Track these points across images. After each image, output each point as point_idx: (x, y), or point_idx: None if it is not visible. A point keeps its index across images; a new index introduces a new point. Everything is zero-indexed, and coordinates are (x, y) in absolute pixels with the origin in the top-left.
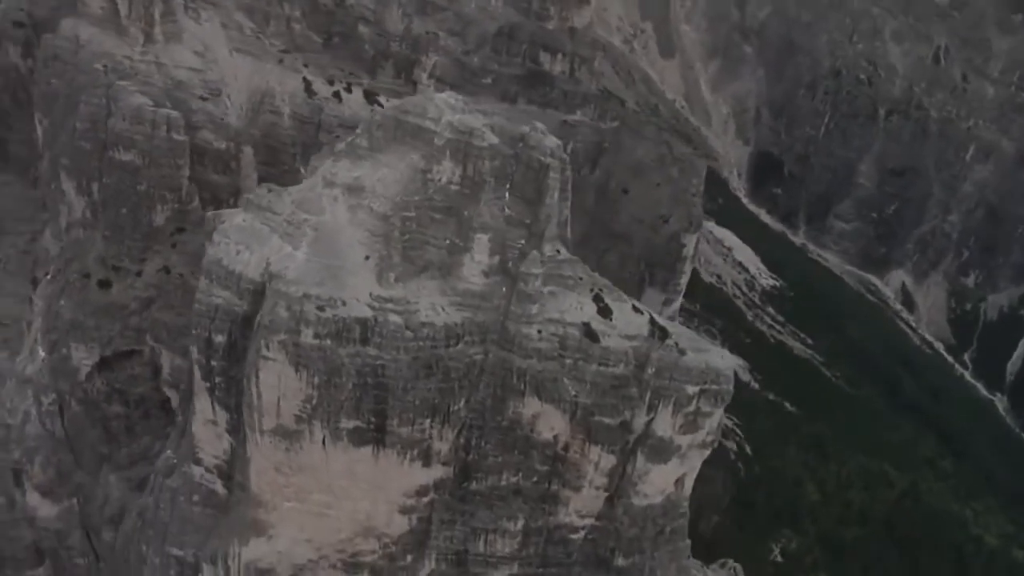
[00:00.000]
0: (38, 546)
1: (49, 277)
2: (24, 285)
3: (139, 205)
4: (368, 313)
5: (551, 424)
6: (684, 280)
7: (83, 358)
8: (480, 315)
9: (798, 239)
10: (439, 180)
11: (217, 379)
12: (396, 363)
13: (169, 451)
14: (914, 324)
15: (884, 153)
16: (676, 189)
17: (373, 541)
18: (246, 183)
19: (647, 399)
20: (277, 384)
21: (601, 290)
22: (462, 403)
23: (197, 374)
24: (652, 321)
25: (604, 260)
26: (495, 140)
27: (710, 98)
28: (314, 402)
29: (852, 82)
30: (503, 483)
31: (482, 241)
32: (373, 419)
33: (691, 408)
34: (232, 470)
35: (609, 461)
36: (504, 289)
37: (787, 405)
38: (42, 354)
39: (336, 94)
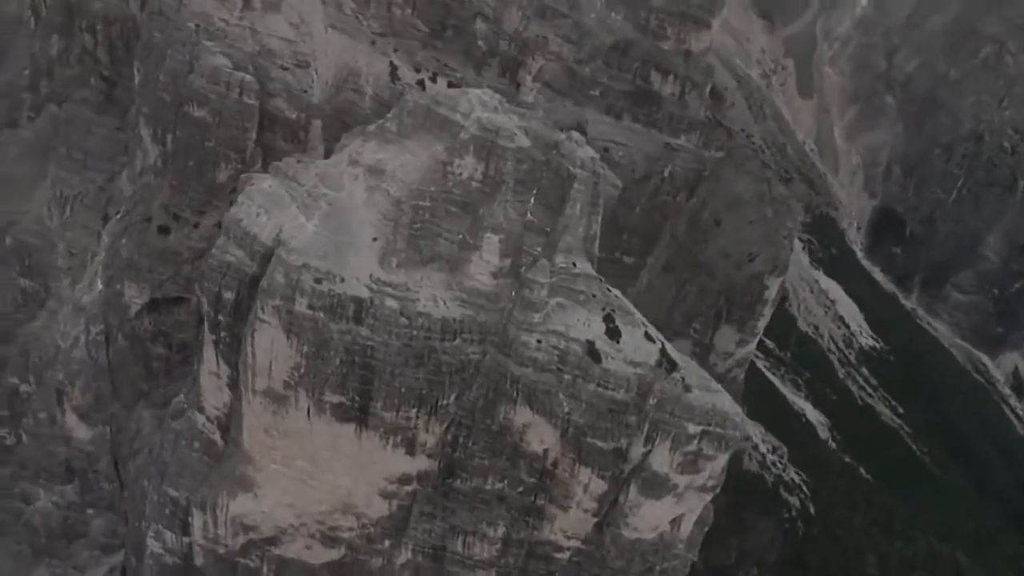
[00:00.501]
0: (70, 464)
1: (119, 216)
2: (96, 220)
3: (205, 160)
4: (365, 293)
5: (541, 437)
6: (762, 323)
7: (134, 296)
8: (483, 315)
9: (909, 303)
10: (460, 175)
11: (223, 334)
12: (386, 347)
13: (182, 395)
14: (1020, 413)
15: (1016, 228)
16: (768, 229)
17: (352, 519)
18: (312, 154)
19: (645, 430)
20: (270, 347)
21: (614, 311)
22: (452, 399)
23: (206, 326)
24: (663, 352)
25: (684, 290)
26: (526, 143)
27: (842, 145)
28: (302, 371)
29: (994, 148)
30: (488, 487)
31: (492, 241)
32: (357, 398)
33: (691, 448)
34: (229, 423)
35: (599, 486)
36: (513, 293)
37: (863, 471)
38: (99, 287)
39: (420, 82)
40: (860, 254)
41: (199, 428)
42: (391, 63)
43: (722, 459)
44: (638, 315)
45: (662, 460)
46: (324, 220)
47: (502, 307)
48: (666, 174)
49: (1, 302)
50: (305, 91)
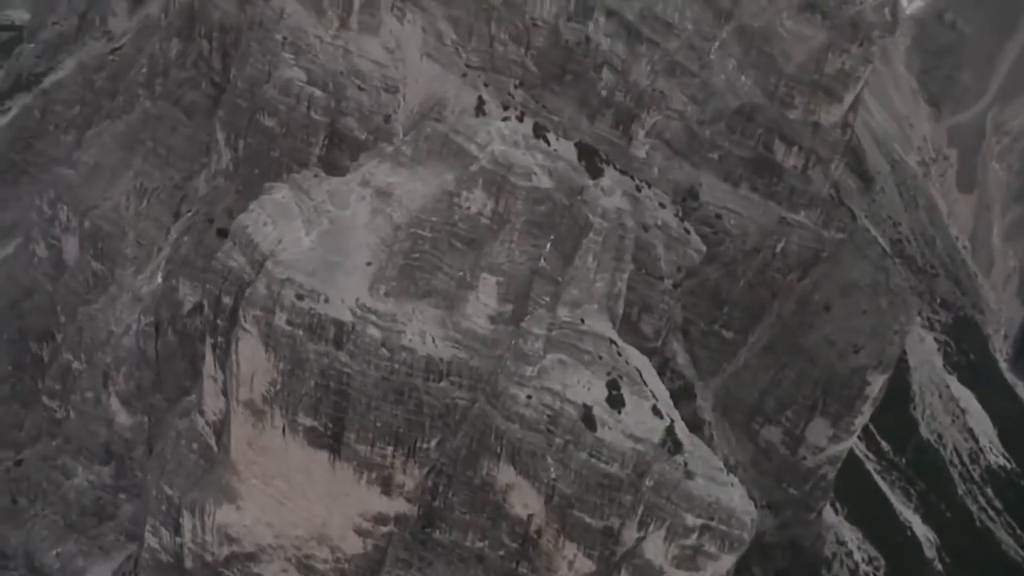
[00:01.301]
0: (109, 447)
1: (189, 214)
2: (167, 215)
3: (269, 170)
4: (347, 317)
5: (525, 500)
6: (859, 422)
7: (188, 294)
8: (477, 360)
9: None
10: (467, 208)
11: (219, 338)
12: (364, 377)
13: (194, 395)
14: None
15: None
16: (880, 321)
17: (327, 550)
18: None
19: (639, 513)
20: (251, 357)
21: (621, 377)
22: (433, 443)
23: (206, 329)
24: (670, 431)
25: (781, 373)
26: (546, 184)
27: (999, 246)
28: (278, 387)
29: None
30: (467, 543)
31: (489, 283)
32: (331, 425)
33: (689, 541)
34: (223, 429)
35: (586, 565)
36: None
37: None
38: (159, 280)
39: (505, 120)
40: (1004, 365)
41: (199, 430)
42: (479, 97)
43: (726, 560)
44: (652, 386)
45: (656, 550)
46: (322, 237)
47: (499, 355)
48: (778, 249)
49: (73, 280)
50: (388, 114)
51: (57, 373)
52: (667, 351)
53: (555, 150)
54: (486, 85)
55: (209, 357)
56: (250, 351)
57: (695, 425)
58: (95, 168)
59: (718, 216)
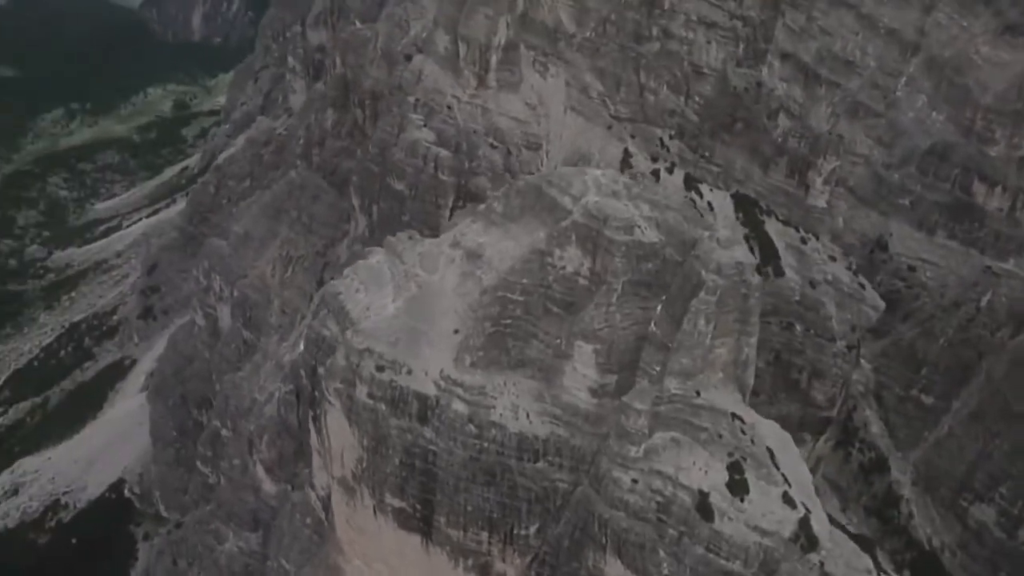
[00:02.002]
0: (256, 514)
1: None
2: (311, 283)
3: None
4: (432, 391)
5: None
6: None
7: None
8: (579, 438)
9: None
10: (562, 268)
11: (316, 410)
12: (450, 455)
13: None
14: None
15: None
16: None
17: None
18: None
19: None
20: (339, 432)
21: (744, 459)
22: (532, 530)
23: (306, 400)
24: (804, 523)
25: (993, 443)
26: (652, 238)
27: None
28: (364, 464)
29: None
30: None
31: (584, 351)
32: (419, 507)
33: None
34: (329, 504)
35: None
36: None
37: None
38: (301, 347)
39: (655, 172)
40: None
41: (311, 504)
42: (625, 149)
43: None
44: (787, 469)
45: None
46: (408, 303)
47: (604, 432)
48: (983, 303)
49: (226, 348)
50: (531, 172)
51: (208, 440)
52: (856, 419)
53: (664, 200)
54: (633, 137)
55: (312, 430)
56: (337, 425)
57: (890, 502)
58: (244, 238)
59: (911, 268)
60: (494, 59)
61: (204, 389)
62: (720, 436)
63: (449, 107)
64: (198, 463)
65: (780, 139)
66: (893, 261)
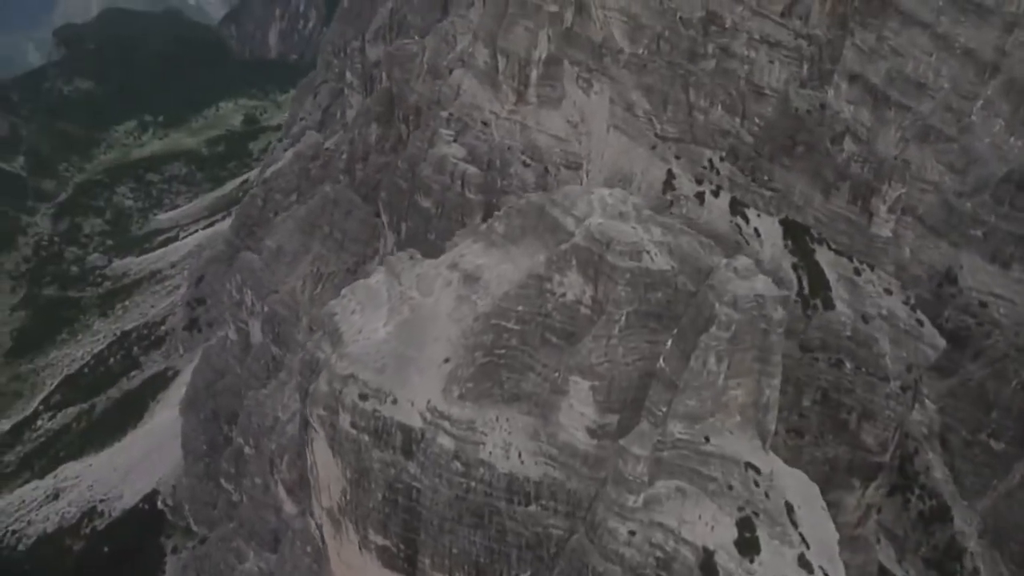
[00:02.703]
0: (277, 535)
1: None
2: None
3: (428, 255)
4: (417, 423)
5: None
6: None
7: None
8: (575, 482)
9: None
10: (561, 295)
11: (307, 437)
12: (435, 494)
13: None
14: None
15: None
16: None
17: None
18: None
19: None
20: (326, 462)
21: (757, 514)
22: None
23: (301, 425)
24: None
25: None
26: (664, 265)
27: None
28: (348, 497)
29: None
30: None
31: (580, 388)
32: (403, 546)
33: None
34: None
35: None
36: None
37: None
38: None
39: (699, 195)
40: None
41: (311, 532)
42: (669, 170)
43: None
44: (806, 528)
45: None
46: (399, 327)
47: (604, 476)
48: None
49: (255, 364)
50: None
51: (231, 456)
52: (916, 463)
53: (681, 226)
54: (677, 157)
55: (308, 455)
56: (323, 454)
57: (952, 554)
58: (277, 252)
59: (983, 304)
60: (534, 74)
61: (234, 404)
62: (730, 487)
63: (485, 123)
64: (221, 479)
65: (843, 164)
66: (963, 295)
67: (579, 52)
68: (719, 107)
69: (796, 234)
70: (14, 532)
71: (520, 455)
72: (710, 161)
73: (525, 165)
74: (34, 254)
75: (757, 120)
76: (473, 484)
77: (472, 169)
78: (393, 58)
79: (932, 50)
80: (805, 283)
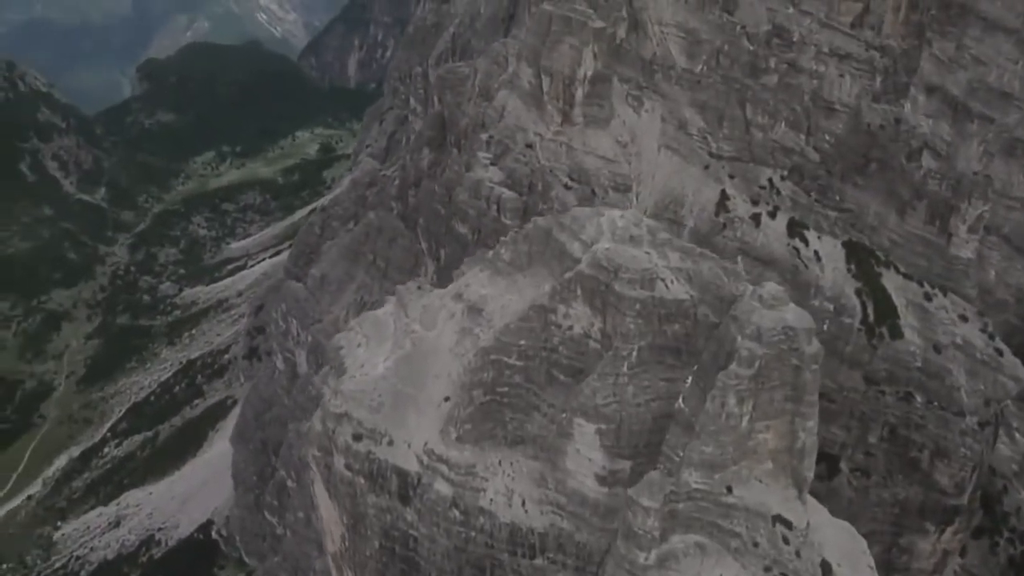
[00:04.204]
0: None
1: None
2: None
3: None
4: (413, 466)
5: None
6: None
7: None
8: (585, 533)
9: None
10: (568, 328)
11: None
12: (433, 543)
13: None
14: None
15: None
16: None
17: None
18: None
19: None
20: (326, 505)
21: (785, 575)
22: None
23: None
24: None
25: None
26: (682, 294)
27: None
28: (347, 543)
29: None
30: None
31: (585, 432)
32: None
33: None
34: None
35: None
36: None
37: None
38: None
39: (755, 217)
40: None
41: (329, 570)
42: (722, 191)
43: None
44: None
45: None
46: (399, 363)
47: (616, 528)
48: None
49: (300, 395)
50: None
51: (275, 489)
52: (1006, 503)
53: (702, 251)
54: (732, 177)
55: (312, 497)
56: (323, 497)
57: None
58: (322, 281)
59: None
60: (579, 93)
61: (281, 435)
62: (756, 544)
63: (530, 145)
64: (265, 512)
65: (920, 181)
66: None
67: (629, 69)
68: (782, 123)
69: (860, 257)
70: (78, 558)
71: (524, 503)
72: (770, 180)
73: (567, 188)
74: (110, 283)
75: (827, 137)
76: (473, 534)
77: (508, 193)
78: (444, 81)
79: (1018, 57)
80: (870, 310)
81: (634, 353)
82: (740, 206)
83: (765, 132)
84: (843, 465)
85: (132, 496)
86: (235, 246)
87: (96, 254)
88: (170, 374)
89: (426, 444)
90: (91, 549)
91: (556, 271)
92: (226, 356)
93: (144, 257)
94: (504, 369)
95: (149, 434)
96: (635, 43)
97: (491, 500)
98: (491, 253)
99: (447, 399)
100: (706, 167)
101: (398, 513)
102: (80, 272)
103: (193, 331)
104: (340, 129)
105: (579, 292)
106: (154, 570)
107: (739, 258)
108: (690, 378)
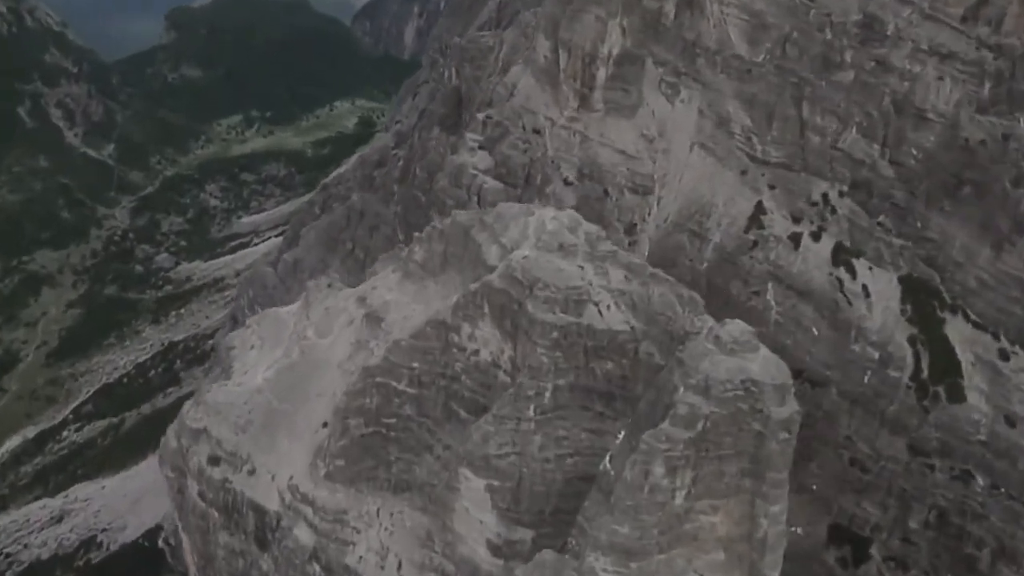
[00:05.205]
0: None
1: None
2: None
3: None
4: (274, 504)
5: None
6: None
7: None
8: None
9: None
10: (473, 352)
11: None
12: None
13: None
14: None
15: None
16: None
17: None
18: None
19: None
20: (183, 538)
21: None
22: None
23: None
24: None
25: None
26: (621, 324)
27: None
28: None
29: None
30: None
31: (473, 487)
32: None
33: None
34: None
35: None
36: None
37: None
38: None
39: (794, 236)
40: None
41: None
42: (758, 203)
43: None
44: None
45: None
46: (280, 373)
47: None
48: None
49: None
50: (634, 222)
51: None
52: None
53: (655, 271)
54: (772, 187)
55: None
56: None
57: None
58: (294, 267)
59: None
60: (602, 73)
61: None
62: None
63: (537, 131)
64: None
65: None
66: None
67: (666, 50)
68: (852, 129)
69: (920, 297)
70: (8, 555)
71: (400, 567)
72: (824, 196)
73: (567, 184)
74: (104, 249)
75: (913, 151)
76: None
77: (492, 184)
78: (465, 52)
79: None
80: (925, 363)
81: (546, 394)
82: (778, 222)
83: (826, 137)
84: (874, 551)
85: (82, 489)
86: (245, 220)
87: (93, 215)
88: (148, 356)
89: (291, 479)
90: (24, 546)
91: (469, 280)
92: (210, 342)
93: (146, 223)
94: (392, 396)
95: (115, 420)
96: (687, 21)
97: (360, 558)
98: (405, 251)
99: (325, 424)
100: (743, 172)
101: (252, 559)
102: (72, 233)
103: (182, 310)
104: (384, 103)
105: (486, 309)
106: None
107: (769, 284)
108: (623, 433)
